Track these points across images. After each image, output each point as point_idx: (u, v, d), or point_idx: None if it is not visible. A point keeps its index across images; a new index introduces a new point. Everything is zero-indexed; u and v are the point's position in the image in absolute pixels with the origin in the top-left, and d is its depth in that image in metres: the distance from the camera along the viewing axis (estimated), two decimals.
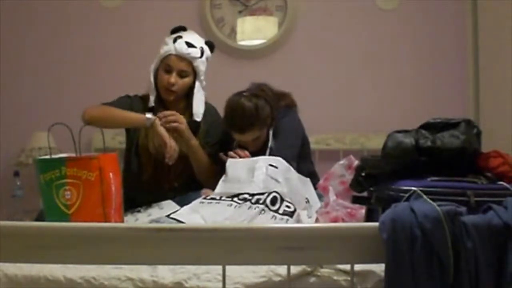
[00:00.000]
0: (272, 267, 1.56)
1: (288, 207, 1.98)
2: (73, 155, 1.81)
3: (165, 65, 2.47)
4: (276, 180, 2.08)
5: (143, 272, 1.57)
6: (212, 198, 2.06)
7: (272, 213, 1.93)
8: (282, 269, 1.54)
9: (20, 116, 3.63)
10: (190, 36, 2.51)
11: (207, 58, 2.53)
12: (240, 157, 2.33)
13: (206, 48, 2.53)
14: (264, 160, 2.21)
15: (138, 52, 3.48)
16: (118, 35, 3.67)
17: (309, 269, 1.56)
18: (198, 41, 2.51)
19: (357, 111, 3.68)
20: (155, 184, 2.48)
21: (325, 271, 1.57)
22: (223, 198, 2.04)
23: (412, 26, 3.74)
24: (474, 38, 3.67)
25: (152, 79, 2.50)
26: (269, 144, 2.48)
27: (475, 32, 3.66)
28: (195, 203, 2.07)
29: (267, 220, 1.90)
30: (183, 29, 2.53)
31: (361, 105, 3.69)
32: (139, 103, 2.56)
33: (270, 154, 2.42)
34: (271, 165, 2.15)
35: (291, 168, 2.20)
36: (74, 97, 3.62)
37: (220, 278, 1.46)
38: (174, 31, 2.52)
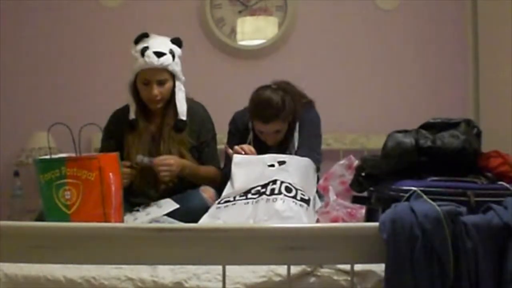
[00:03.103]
0: (272, 267, 1.56)
1: (303, 195, 1.98)
2: (73, 155, 1.81)
3: (142, 79, 2.43)
4: (285, 170, 2.10)
5: (143, 272, 1.57)
6: (226, 201, 2.03)
7: (291, 199, 1.92)
8: (282, 269, 1.54)
9: (20, 116, 3.63)
10: (156, 43, 2.42)
11: (179, 57, 2.49)
12: (245, 152, 2.34)
13: (175, 48, 2.46)
14: (271, 157, 2.22)
15: None
16: (118, 35, 3.66)
17: (309, 269, 1.56)
18: (165, 45, 2.44)
19: (357, 111, 3.67)
20: (148, 189, 2.48)
21: (325, 271, 1.57)
22: (237, 198, 2.03)
23: (412, 27, 3.74)
24: (474, 38, 3.67)
25: (130, 92, 2.48)
26: (295, 135, 2.53)
27: (475, 32, 3.66)
28: (212, 209, 2.04)
29: (289, 207, 1.88)
30: (146, 35, 2.45)
31: (361, 105, 3.69)
32: (123, 116, 2.53)
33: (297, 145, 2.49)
34: (279, 162, 2.16)
35: (302, 159, 2.21)
36: (74, 97, 3.63)
37: (220, 278, 1.46)
38: (137, 41, 2.44)
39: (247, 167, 2.19)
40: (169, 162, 2.38)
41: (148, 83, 2.43)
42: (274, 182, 2.00)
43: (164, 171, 2.36)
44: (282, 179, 2.02)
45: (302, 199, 1.95)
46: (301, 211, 1.90)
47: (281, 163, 2.17)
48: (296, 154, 2.45)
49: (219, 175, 2.53)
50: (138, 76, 2.44)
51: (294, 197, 1.94)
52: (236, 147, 2.37)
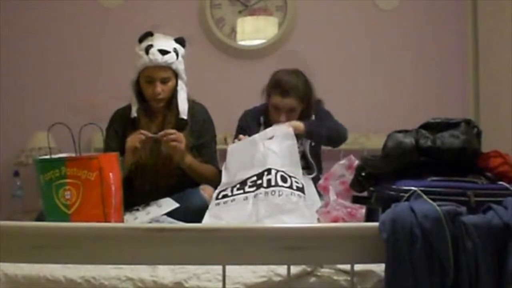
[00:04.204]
0: (272, 267, 1.56)
1: (297, 182, 1.99)
2: (73, 155, 1.81)
3: (145, 76, 2.44)
4: (273, 151, 2.11)
5: (143, 272, 1.57)
6: (224, 196, 2.04)
7: (289, 190, 1.93)
8: (282, 269, 1.54)
9: (20, 116, 3.63)
10: (160, 41, 2.44)
11: (182, 56, 2.51)
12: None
13: (178, 47, 2.49)
14: (260, 135, 2.24)
15: None
16: (118, 35, 3.67)
17: (309, 269, 1.56)
18: (169, 43, 2.46)
19: (357, 111, 3.67)
20: (148, 188, 2.48)
21: (325, 271, 1.57)
22: (235, 192, 2.03)
23: (412, 26, 3.74)
24: (474, 38, 3.67)
25: (132, 91, 2.49)
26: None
27: (475, 32, 3.67)
28: (212, 206, 2.03)
29: (288, 199, 1.90)
30: (150, 34, 2.47)
31: (361, 105, 3.69)
32: (125, 115, 2.54)
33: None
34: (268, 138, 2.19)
35: (289, 133, 2.22)
36: (74, 97, 3.63)
37: (220, 278, 1.46)
38: (141, 39, 2.46)
39: (239, 152, 2.22)
40: (174, 133, 2.37)
41: (152, 81, 2.44)
42: (269, 171, 2.01)
43: (172, 140, 2.34)
44: (276, 167, 2.03)
45: (297, 188, 1.96)
46: (300, 202, 1.92)
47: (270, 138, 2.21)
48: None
49: (217, 175, 2.52)
50: (141, 73, 2.46)
51: (290, 187, 1.95)
52: (235, 140, 2.39)
